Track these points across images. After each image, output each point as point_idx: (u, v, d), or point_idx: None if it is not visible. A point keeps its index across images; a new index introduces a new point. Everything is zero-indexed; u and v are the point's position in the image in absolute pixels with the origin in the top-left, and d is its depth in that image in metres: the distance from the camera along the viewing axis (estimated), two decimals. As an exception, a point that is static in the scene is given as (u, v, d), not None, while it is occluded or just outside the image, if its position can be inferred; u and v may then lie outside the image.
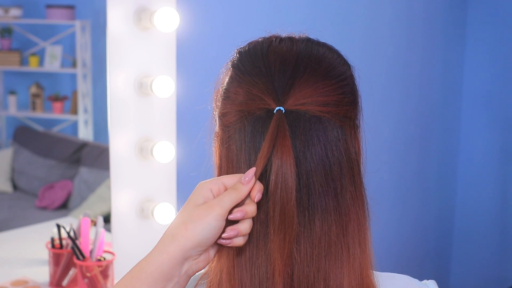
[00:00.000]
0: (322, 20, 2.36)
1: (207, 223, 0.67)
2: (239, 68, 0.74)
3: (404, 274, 0.83)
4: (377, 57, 2.66)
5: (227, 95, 0.73)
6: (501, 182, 3.20)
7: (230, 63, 0.76)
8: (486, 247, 3.27)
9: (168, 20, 1.61)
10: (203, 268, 0.70)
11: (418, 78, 2.92)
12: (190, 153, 1.81)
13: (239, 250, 0.69)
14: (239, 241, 0.68)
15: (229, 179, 0.69)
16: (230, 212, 0.67)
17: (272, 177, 0.67)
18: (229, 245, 0.68)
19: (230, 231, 0.67)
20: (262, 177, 0.69)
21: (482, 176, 3.25)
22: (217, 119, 0.75)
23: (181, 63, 1.77)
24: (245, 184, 0.67)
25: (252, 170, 0.68)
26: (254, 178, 0.68)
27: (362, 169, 0.74)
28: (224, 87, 0.75)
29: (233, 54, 0.77)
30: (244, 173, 0.69)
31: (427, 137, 3.05)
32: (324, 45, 0.76)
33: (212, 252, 0.70)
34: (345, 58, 0.76)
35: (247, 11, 2.09)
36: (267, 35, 0.78)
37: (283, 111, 0.68)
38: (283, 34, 0.77)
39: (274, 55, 0.72)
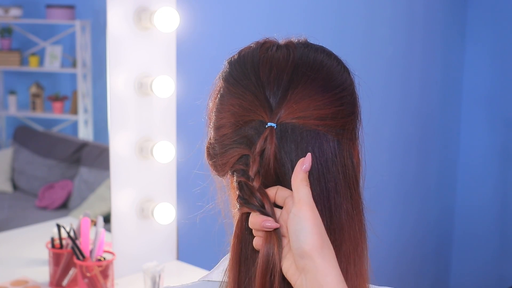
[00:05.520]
0: (322, 20, 2.36)
1: None
2: (229, 81, 0.71)
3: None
4: (377, 57, 2.66)
5: (220, 109, 0.72)
6: (501, 183, 3.20)
7: (221, 76, 0.74)
8: (486, 248, 3.27)
9: (168, 20, 1.61)
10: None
11: (418, 78, 2.92)
12: (190, 153, 1.80)
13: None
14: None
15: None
16: None
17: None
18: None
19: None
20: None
21: (482, 177, 3.25)
22: (212, 131, 0.73)
23: (181, 63, 1.77)
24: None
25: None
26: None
27: (361, 181, 0.72)
28: (217, 101, 0.73)
29: (224, 65, 0.74)
30: None
31: (427, 138, 3.05)
32: (323, 51, 0.72)
33: None
34: (345, 64, 0.73)
35: (247, 11, 2.09)
36: (260, 39, 0.75)
37: (275, 126, 0.66)
38: (281, 39, 0.74)
39: (268, 64, 0.70)
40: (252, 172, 0.66)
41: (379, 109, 2.68)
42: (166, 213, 1.72)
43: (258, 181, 0.66)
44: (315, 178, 0.67)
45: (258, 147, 0.66)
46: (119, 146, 1.66)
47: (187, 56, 1.84)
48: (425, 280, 3.22)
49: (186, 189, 1.84)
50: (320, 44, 0.75)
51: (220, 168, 0.72)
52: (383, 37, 2.68)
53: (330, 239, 0.66)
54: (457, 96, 3.22)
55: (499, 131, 3.17)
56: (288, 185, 0.66)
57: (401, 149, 2.90)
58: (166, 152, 1.67)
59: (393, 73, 2.77)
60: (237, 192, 0.67)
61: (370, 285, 0.73)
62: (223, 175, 0.73)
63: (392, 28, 2.72)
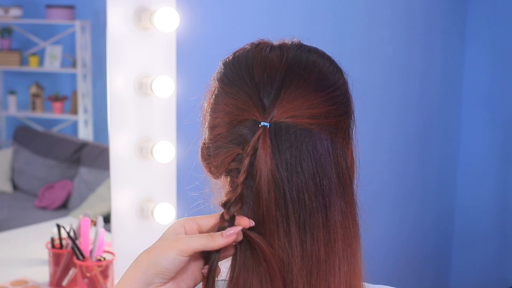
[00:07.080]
0: (322, 20, 2.36)
1: (168, 255, 0.69)
2: (224, 82, 0.72)
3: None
4: (377, 57, 2.66)
5: (215, 109, 0.72)
6: (501, 182, 3.20)
7: (215, 77, 0.75)
8: (486, 248, 3.27)
9: (168, 20, 1.61)
10: None
11: (418, 78, 2.92)
12: (190, 153, 1.81)
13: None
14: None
15: (204, 220, 0.70)
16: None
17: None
18: None
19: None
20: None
21: (482, 177, 3.25)
22: (207, 132, 0.74)
23: (181, 63, 1.77)
24: (225, 237, 0.67)
25: (237, 228, 0.67)
26: (236, 235, 0.67)
27: (355, 181, 0.73)
28: (211, 102, 0.74)
29: (219, 66, 0.75)
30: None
31: (427, 138, 3.05)
32: (316, 52, 0.73)
33: (185, 283, 0.70)
34: (338, 65, 0.74)
35: (247, 11, 2.09)
36: (255, 40, 0.75)
37: (268, 125, 0.67)
38: (275, 40, 0.75)
39: (262, 65, 0.70)
40: (243, 169, 0.67)
41: (379, 109, 2.68)
42: (166, 213, 1.72)
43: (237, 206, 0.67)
44: (310, 176, 0.68)
45: (250, 146, 0.67)
46: (119, 146, 1.66)
47: (187, 56, 1.84)
48: (425, 280, 3.22)
49: (186, 189, 1.84)
50: (320, 45, 0.75)
51: (215, 169, 0.72)
52: (383, 37, 2.68)
53: (326, 237, 0.68)
54: (457, 96, 3.22)
55: (499, 131, 3.17)
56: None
57: (401, 149, 2.90)
58: (166, 152, 1.68)
59: (393, 73, 2.77)
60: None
61: (365, 283, 0.73)
62: (217, 177, 0.73)
63: (392, 28, 2.72)
